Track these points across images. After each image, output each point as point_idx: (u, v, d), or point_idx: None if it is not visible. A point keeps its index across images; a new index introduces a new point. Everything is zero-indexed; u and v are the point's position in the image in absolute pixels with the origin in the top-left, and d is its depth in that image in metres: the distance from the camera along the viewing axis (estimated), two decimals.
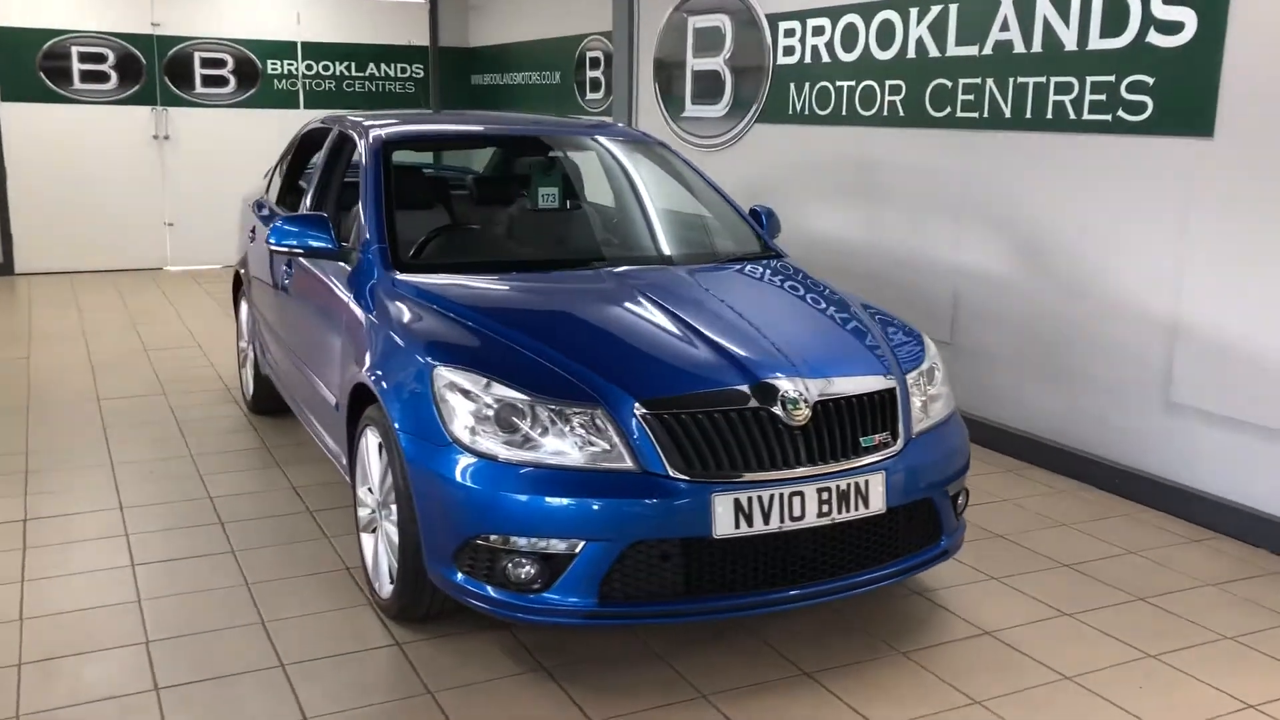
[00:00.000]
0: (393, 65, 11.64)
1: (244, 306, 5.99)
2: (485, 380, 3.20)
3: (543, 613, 3.10)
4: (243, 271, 5.89)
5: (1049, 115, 5.07)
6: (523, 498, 3.04)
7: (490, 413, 3.15)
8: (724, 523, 3.06)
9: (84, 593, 3.78)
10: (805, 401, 3.21)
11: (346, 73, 11.42)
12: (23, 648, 3.38)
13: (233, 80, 10.93)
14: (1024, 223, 5.28)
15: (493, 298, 3.78)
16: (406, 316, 3.64)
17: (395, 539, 3.41)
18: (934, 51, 5.67)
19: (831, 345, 3.58)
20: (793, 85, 6.75)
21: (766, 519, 3.09)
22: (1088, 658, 3.43)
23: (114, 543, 4.21)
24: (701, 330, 3.52)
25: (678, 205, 4.88)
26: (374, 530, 3.69)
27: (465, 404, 3.19)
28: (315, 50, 11.23)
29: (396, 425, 3.34)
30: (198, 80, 10.78)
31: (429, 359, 3.33)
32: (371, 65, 11.52)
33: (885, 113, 6.03)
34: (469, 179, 5.54)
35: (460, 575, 3.19)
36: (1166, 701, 3.19)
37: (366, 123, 4.68)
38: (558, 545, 3.05)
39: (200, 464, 5.13)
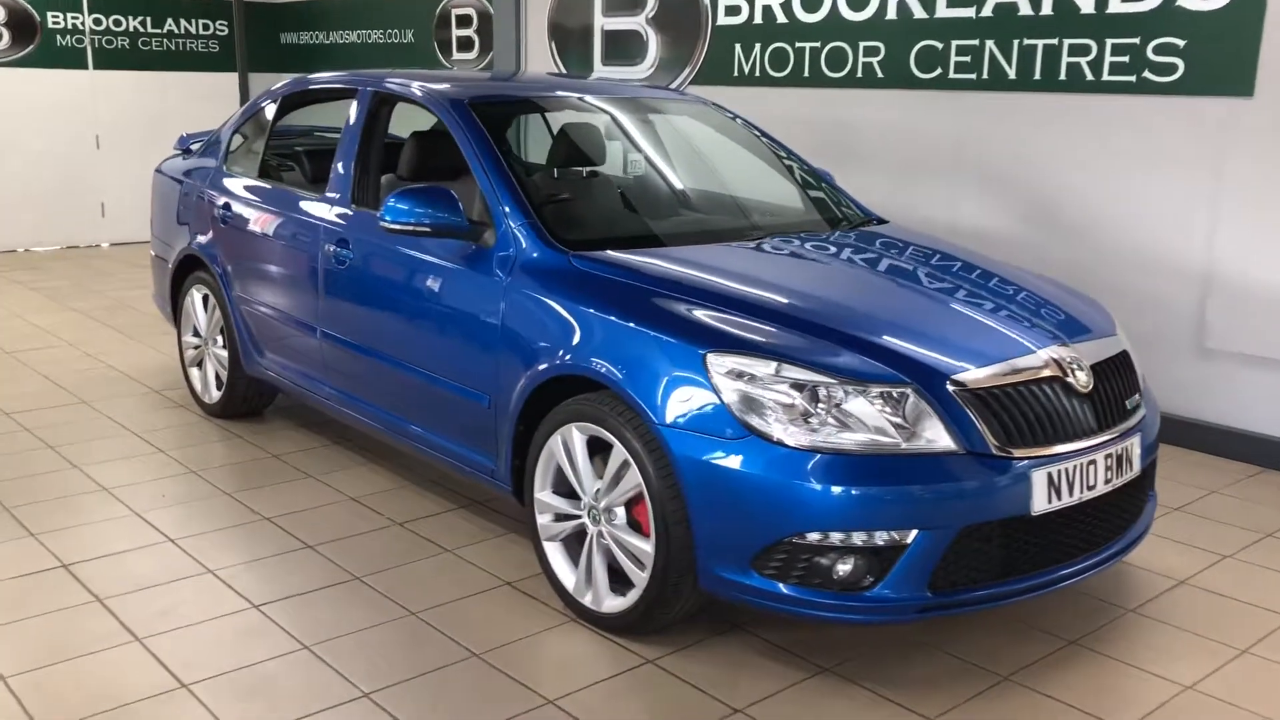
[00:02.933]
0: (193, 22, 10.47)
1: (198, 299, 5.22)
2: (774, 364, 2.92)
3: (872, 610, 2.88)
4: (205, 259, 5.10)
5: (1062, 76, 5.22)
6: (851, 490, 2.81)
7: (791, 399, 2.88)
8: (1040, 498, 2.95)
9: (238, 646, 3.17)
10: (1085, 368, 3.16)
11: (142, 29, 10.17)
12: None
13: (5, 34, 9.47)
14: (1036, 183, 5.44)
15: (704, 274, 3.44)
16: (626, 301, 3.26)
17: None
18: (920, 13, 5.71)
19: (1063, 310, 3.53)
20: (739, 45, 6.61)
21: (1071, 491, 3.02)
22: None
23: (204, 581, 3.56)
24: (951, 301, 3.41)
25: (763, 171, 4.66)
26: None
27: (758, 392, 2.90)
28: (104, 2, 9.91)
29: (654, 419, 3.00)
30: None
31: (697, 345, 3.00)
32: (170, 21, 10.31)
33: (860, 74, 6.03)
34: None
35: (760, 578, 2.91)
36: None
37: (436, 85, 4.16)
38: (887, 537, 2.84)
39: (217, 481, 4.43)
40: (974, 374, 2.98)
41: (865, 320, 3.18)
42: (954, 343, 3.13)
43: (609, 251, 3.55)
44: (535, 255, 3.53)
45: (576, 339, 3.28)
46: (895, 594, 2.87)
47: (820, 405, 2.87)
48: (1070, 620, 3.38)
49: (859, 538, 2.84)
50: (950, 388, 2.93)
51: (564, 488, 3.39)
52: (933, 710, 2.92)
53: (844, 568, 2.86)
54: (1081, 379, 3.12)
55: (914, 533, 2.84)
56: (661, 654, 3.17)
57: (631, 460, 3.08)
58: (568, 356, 3.28)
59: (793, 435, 2.85)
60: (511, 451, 3.53)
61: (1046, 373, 3.07)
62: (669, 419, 2.99)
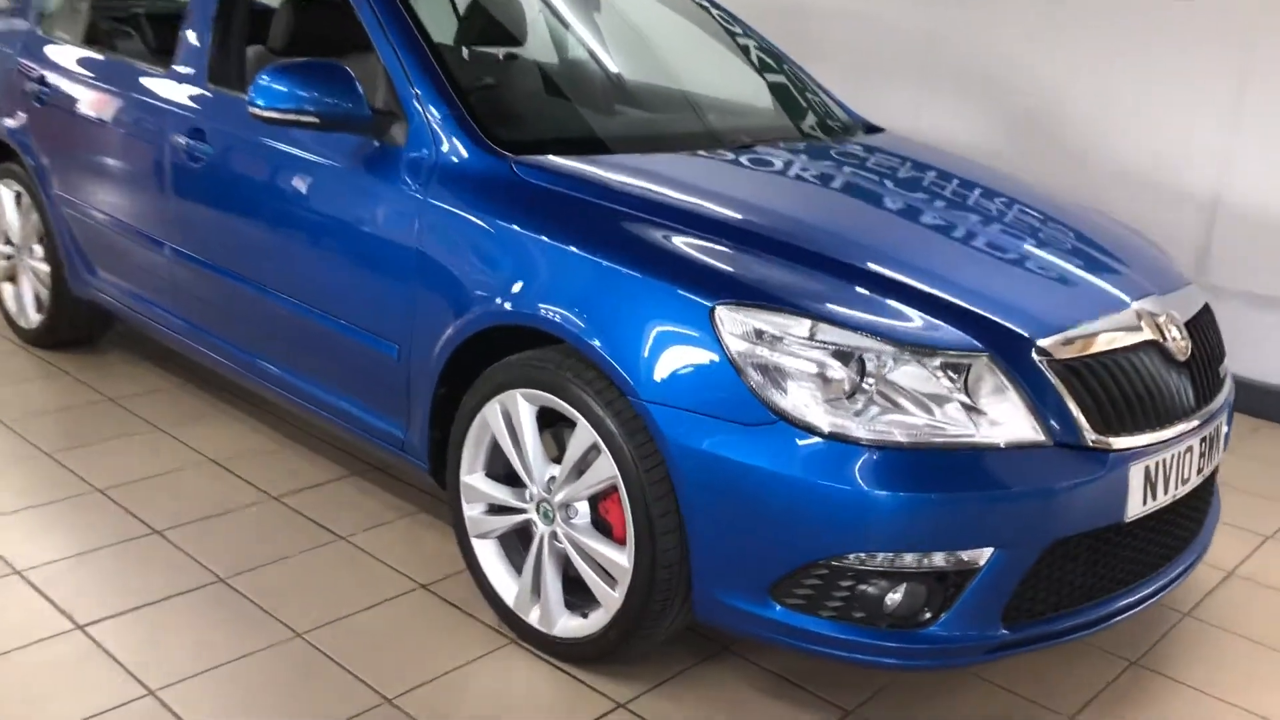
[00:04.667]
0: None
1: (7, 196, 4.15)
2: (809, 322, 2.14)
3: (931, 653, 2.17)
4: (16, 146, 4.02)
5: None
6: (911, 495, 2.07)
7: (832, 371, 2.11)
8: (1135, 500, 2.27)
9: (62, 686, 2.29)
10: (1181, 329, 2.47)
11: None
12: None
13: None
14: (1022, 88, 4.72)
15: (695, 196, 2.60)
16: (597, 227, 2.42)
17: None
18: None
19: (1137, 253, 2.82)
20: None
21: (1166, 488, 2.35)
22: None
23: (11, 590, 2.65)
24: (1010, 240, 2.67)
25: (728, 62, 3.80)
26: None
27: (787, 360, 2.12)
28: None
29: (637, 392, 2.20)
30: None
31: (703, 293, 2.20)
32: None
33: None
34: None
35: (782, 610, 2.17)
36: None
37: None
38: (954, 559, 2.12)
39: (32, 435, 3.46)
40: (1063, 338, 2.26)
41: (914, 265, 2.42)
42: (1029, 296, 2.41)
43: (561, 158, 2.68)
44: (463, 159, 2.65)
45: (523, 277, 2.43)
46: (961, 631, 2.16)
47: (869, 380, 2.11)
48: (1125, 634, 2.74)
49: (918, 560, 2.11)
50: (1036, 357, 2.20)
51: (502, 470, 2.59)
52: None
53: (896, 598, 2.14)
54: (1180, 343, 2.43)
55: (988, 552, 2.12)
56: (635, 693, 2.42)
57: (603, 444, 2.29)
58: (507, 301, 2.44)
59: (833, 420, 2.09)
60: (430, 420, 2.69)
61: (1143, 336, 2.37)
62: (659, 393, 2.19)
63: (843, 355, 2.12)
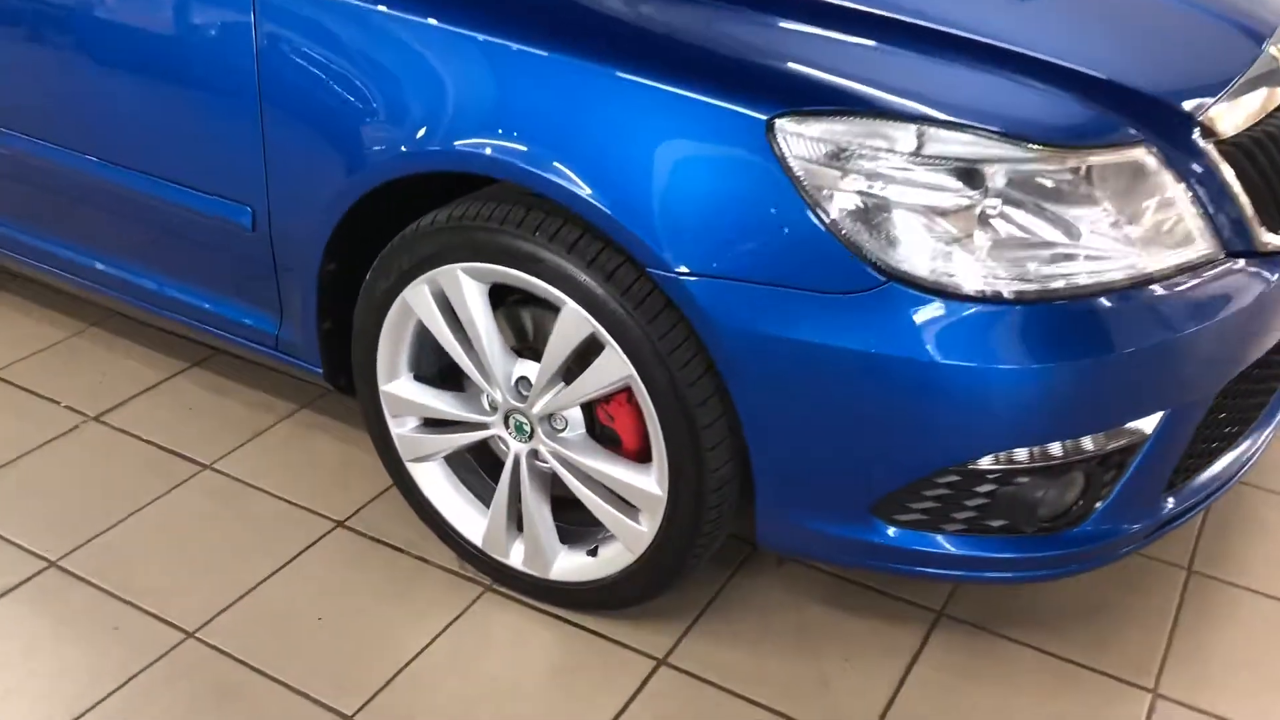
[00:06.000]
0: None
1: None
2: (914, 128, 1.44)
3: (1088, 555, 1.63)
4: None
5: None
6: (1068, 363, 1.47)
7: (954, 197, 1.44)
8: None
9: None
10: None
11: None
12: None
13: None
14: None
15: None
16: (572, 8, 1.61)
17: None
18: None
19: None
20: None
21: None
22: None
23: None
24: None
25: None
26: None
27: (888, 190, 1.44)
28: None
29: (663, 260, 1.49)
30: None
31: (753, 102, 1.45)
32: None
33: None
34: None
35: (892, 531, 1.58)
36: None
37: None
38: (1114, 436, 1.56)
39: None
40: (1226, 108, 1.64)
41: (1022, 33, 1.71)
42: (1163, 58, 1.76)
43: None
44: None
45: (451, 101, 1.62)
46: (1122, 519, 1.63)
47: (1010, 206, 1.46)
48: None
49: (1077, 444, 1.54)
50: (1200, 140, 1.59)
51: (433, 368, 1.86)
52: (1144, 675, 1.80)
53: (1049, 496, 1.58)
54: None
55: (1158, 417, 1.57)
56: (671, 640, 1.83)
57: (608, 335, 1.58)
58: (427, 139, 1.63)
59: (962, 272, 1.44)
60: (318, 308, 1.90)
61: None
62: (696, 259, 1.48)
63: (967, 172, 1.44)
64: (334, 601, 1.89)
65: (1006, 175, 1.45)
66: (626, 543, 1.73)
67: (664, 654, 1.80)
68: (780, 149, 1.43)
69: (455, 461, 1.92)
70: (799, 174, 1.43)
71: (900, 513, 1.57)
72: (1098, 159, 1.48)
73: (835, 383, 1.48)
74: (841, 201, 1.43)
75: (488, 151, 1.57)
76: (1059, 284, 1.45)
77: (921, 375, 1.45)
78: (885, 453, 1.52)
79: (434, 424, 1.88)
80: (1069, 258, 1.47)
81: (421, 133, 1.63)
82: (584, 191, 1.51)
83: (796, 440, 1.54)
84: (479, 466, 1.94)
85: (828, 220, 1.43)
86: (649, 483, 1.66)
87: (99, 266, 2.23)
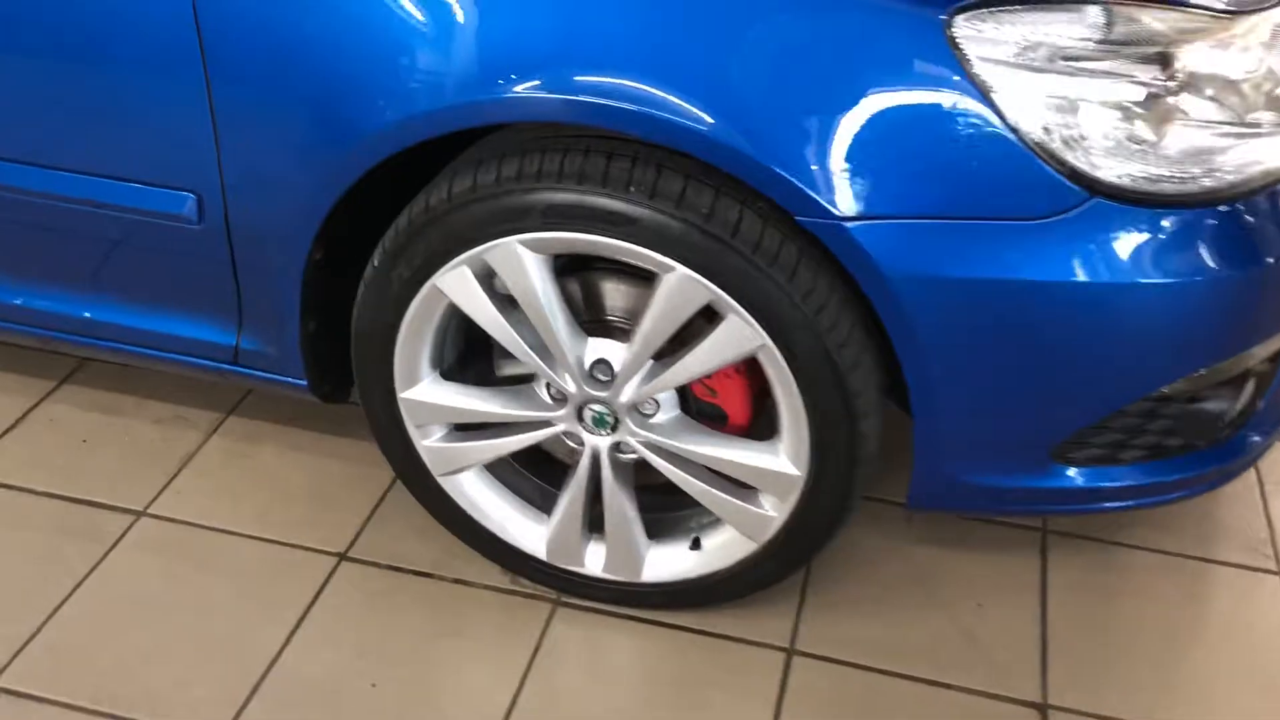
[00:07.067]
0: None
1: None
2: (1099, 8, 1.19)
3: (1247, 461, 1.50)
4: None
5: None
6: (1273, 266, 1.30)
7: (1146, 95, 1.21)
8: None
9: None
10: None
11: None
12: None
13: None
14: None
15: None
16: None
17: None
18: None
19: None
20: None
21: None
22: None
23: None
24: None
25: None
26: None
27: (1082, 87, 1.19)
28: None
29: (831, 208, 1.20)
30: None
31: (922, 4, 1.17)
32: None
33: None
34: None
35: (1071, 473, 1.40)
36: None
37: None
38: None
39: None
40: None
41: None
42: None
43: None
44: None
45: (512, 24, 1.25)
46: (1272, 424, 1.51)
47: (1196, 92, 1.24)
48: None
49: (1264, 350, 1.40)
50: None
51: (451, 359, 1.52)
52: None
53: (1227, 407, 1.43)
54: None
55: None
56: (788, 626, 1.60)
57: (730, 299, 1.29)
58: (477, 77, 1.26)
59: (1162, 174, 1.22)
60: (301, 307, 1.50)
61: None
62: (856, 199, 1.21)
63: (1158, 58, 1.22)
64: (379, 657, 1.55)
65: (1195, 53, 1.23)
66: (746, 530, 1.48)
67: (788, 641, 1.58)
68: (962, 51, 1.16)
69: (497, 465, 1.59)
70: (985, 79, 1.17)
71: (1080, 451, 1.38)
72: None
73: (1028, 323, 1.26)
74: (1036, 108, 1.18)
75: (571, 94, 1.21)
76: (1255, 174, 1.27)
77: (1126, 299, 1.24)
78: (1078, 392, 1.32)
79: (470, 428, 1.54)
80: (1256, 146, 1.28)
81: (467, 77, 1.25)
82: (705, 125, 1.19)
83: (973, 393, 1.32)
84: (521, 465, 1.61)
85: (1022, 132, 1.18)
86: (780, 462, 1.40)
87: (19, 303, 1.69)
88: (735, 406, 1.44)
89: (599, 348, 1.41)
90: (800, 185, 1.20)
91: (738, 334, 1.31)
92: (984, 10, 1.16)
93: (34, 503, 1.79)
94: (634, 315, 1.40)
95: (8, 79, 1.46)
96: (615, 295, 1.46)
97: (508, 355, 1.48)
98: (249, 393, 1.99)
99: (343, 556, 1.70)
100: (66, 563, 1.68)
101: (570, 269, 1.44)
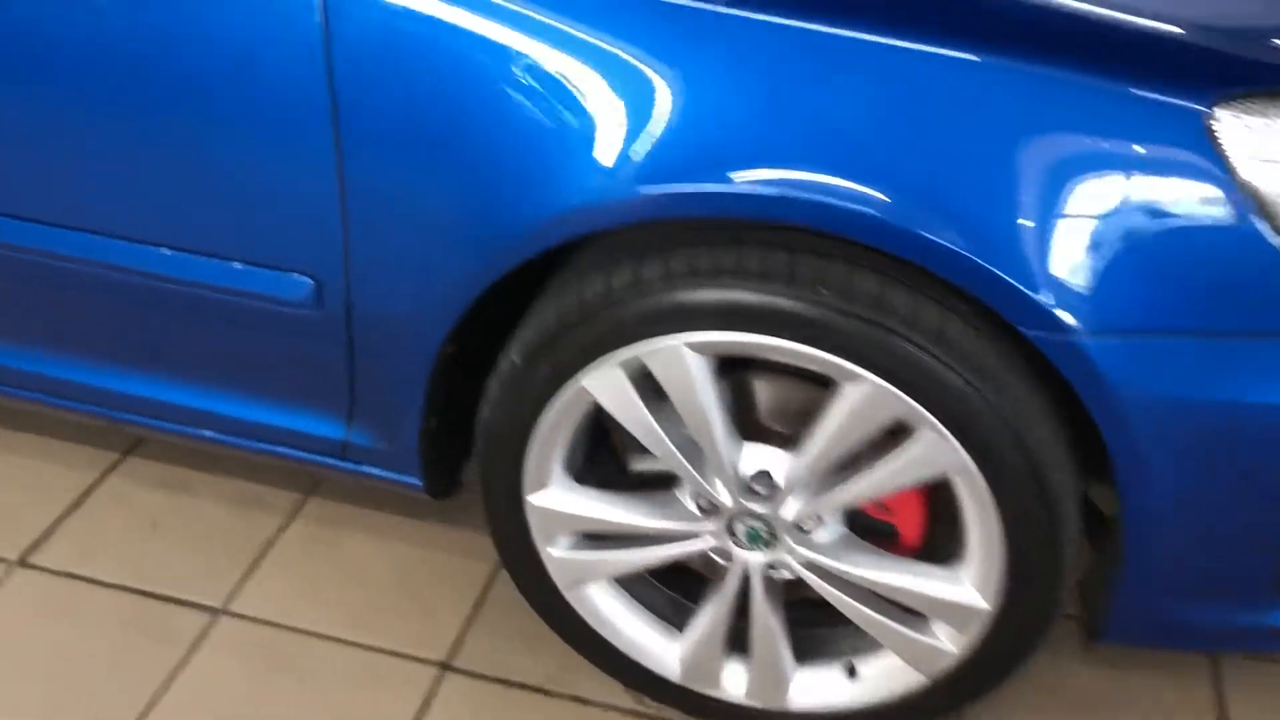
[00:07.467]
0: None
1: None
2: None
3: None
4: None
5: None
6: None
7: None
8: None
9: None
10: None
11: None
12: None
13: None
14: None
15: None
16: None
17: None
18: None
19: None
20: None
21: None
22: None
23: None
24: None
25: None
26: None
27: None
28: None
29: (1056, 312, 1.05)
30: None
31: (1180, 91, 1.01)
32: None
33: None
34: None
35: None
36: None
37: None
38: None
39: None
40: None
41: None
42: None
43: None
44: None
45: (719, 110, 1.10)
46: None
47: None
48: None
49: None
50: None
51: (580, 461, 1.36)
52: None
53: None
54: None
55: None
56: None
57: (930, 415, 1.13)
58: (672, 167, 1.11)
59: None
60: (425, 402, 1.34)
61: None
62: (1099, 311, 1.05)
63: None
64: None
65: None
66: (914, 662, 1.32)
67: None
68: (1223, 148, 1.01)
69: (628, 577, 1.43)
70: (1250, 179, 1.02)
71: None
72: None
73: (1272, 445, 1.11)
74: None
75: (773, 190, 1.06)
76: None
77: None
78: None
79: (601, 537, 1.38)
80: None
81: (672, 165, 1.10)
82: (926, 229, 1.04)
83: (1203, 525, 1.17)
84: (652, 575, 1.46)
85: None
86: (964, 593, 1.24)
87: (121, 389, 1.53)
88: (911, 526, 1.29)
89: (758, 456, 1.26)
90: (1025, 291, 1.05)
91: (935, 453, 1.16)
92: (1253, 101, 1.01)
93: (104, 597, 1.63)
94: (787, 415, 1.25)
95: (100, 143, 1.31)
96: (769, 395, 1.31)
97: (641, 450, 1.33)
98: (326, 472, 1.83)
99: (445, 666, 1.54)
100: (142, 668, 1.53)
101: (722, 367, 1.29)
